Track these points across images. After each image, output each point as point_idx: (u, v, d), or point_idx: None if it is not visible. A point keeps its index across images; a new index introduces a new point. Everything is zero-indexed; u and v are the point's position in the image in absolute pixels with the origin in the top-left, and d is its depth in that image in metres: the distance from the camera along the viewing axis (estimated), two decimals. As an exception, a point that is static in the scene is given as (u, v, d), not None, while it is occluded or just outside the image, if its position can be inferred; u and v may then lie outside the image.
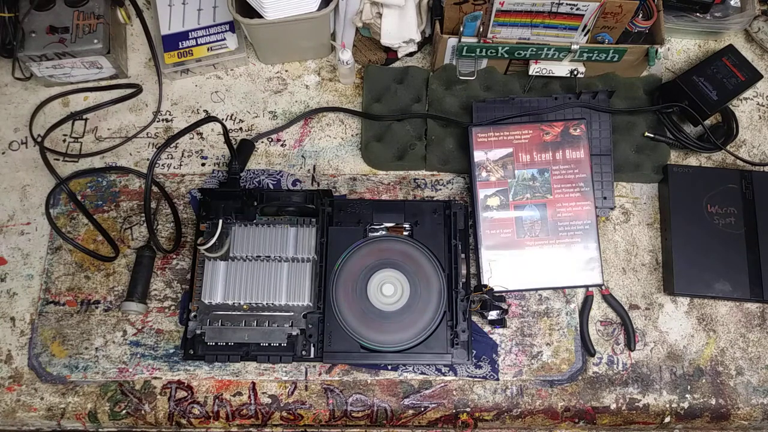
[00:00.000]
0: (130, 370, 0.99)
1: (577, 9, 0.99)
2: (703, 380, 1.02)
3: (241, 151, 1.08)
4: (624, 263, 1.07)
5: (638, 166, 1.10)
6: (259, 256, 1.00)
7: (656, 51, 1.06)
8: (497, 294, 0.99)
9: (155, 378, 0.99)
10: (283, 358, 0.96)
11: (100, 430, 1.00)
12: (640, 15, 1.06)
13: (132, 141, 1.12)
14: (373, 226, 1.03)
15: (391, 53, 1.15)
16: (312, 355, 0.97)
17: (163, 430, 1.00)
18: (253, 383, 0.99)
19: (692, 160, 1.13)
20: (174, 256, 1.05)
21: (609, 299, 1.04)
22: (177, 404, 0.98)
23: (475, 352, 1.00)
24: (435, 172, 1.11)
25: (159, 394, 0.99)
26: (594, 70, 1.12)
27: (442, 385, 1.00)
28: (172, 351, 1.00)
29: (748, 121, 1.17)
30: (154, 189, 1.07)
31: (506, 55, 1.07)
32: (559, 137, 1.06)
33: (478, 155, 1.05)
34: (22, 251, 1.05)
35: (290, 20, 1.03)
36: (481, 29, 1.04)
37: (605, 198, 1.07)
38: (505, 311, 0.99)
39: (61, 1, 1.08)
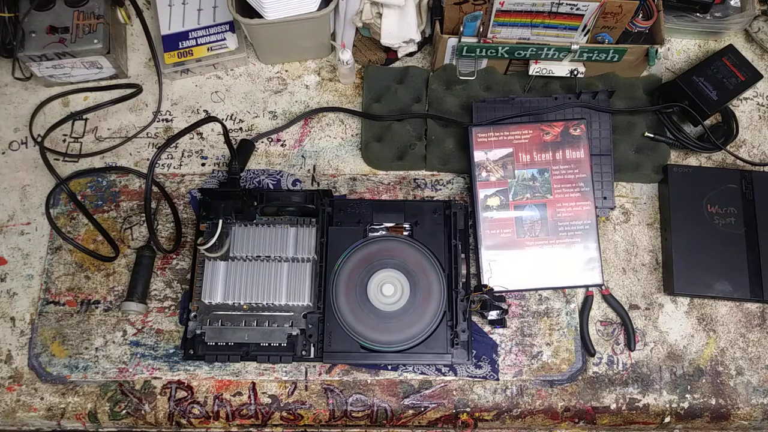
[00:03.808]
0: (130, 370, 0.99)
1: (577, 9, 0.99)
2: (703, 380, 1.02)
3: (241, 151, 1.08)
4: (624, 263, 1.07)
5: (638, 166, 1.10)
6: (259, 256, 1.00)
7: (656, 51, 1.06)
8: (497, 294, 0.99)
9: (155, 378, 0.99)
10: (283, 358, 0.96)
11: (100, 430, 1.00)
12: (640, 15, 1.06)
13: (132, 141, 1.12)
14: (373, 226, 1.03)
15: (391, 53, 1.15)
16: (312, 355, 0.97)
17: (163, 430, 1.00)
18: (253, 383, 0.99)
19: (692, 160, 1.13)
20: (174, 256, 1.05)
21: (609, 299, 1.04)
22: (177, 404, 0.98)
23: (475, 352, 1.00)
24: (435, 172, 1.11)
25: (159, 394, 0.99)
26: (594, 70, 1.12)
27: (442, 385, 1.00)
28: (172, 351, 1.00)
29: (748, 121, 1.17)
30: (154, 189, 1.07)
31: (506, 55, 1.07)
32: (559, 137, 1.06)
33: (478, 155, 1.05)
34: (22, 251, 1.05)
35: (290, 20, 1.03)
36: (481, 29, 1.04)
37: (605, 198, 1.07)
38: (505, 311, 0.99)
39: (61, 1, 1.08)
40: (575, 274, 1.03)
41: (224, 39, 1.12)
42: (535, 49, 1.05)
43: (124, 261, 1.05)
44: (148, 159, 1.11)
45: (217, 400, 0.98)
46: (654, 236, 1.09)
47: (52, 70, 1.10)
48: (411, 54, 1.17)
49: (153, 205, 1.07)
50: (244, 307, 0.98)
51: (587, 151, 1.05)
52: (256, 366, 1.00)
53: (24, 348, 1.01)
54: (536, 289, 1.04)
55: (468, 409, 1.00)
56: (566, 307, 1.04)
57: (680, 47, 1.21)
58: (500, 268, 1.02)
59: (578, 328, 1.03)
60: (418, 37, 1.09)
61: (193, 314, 0.98)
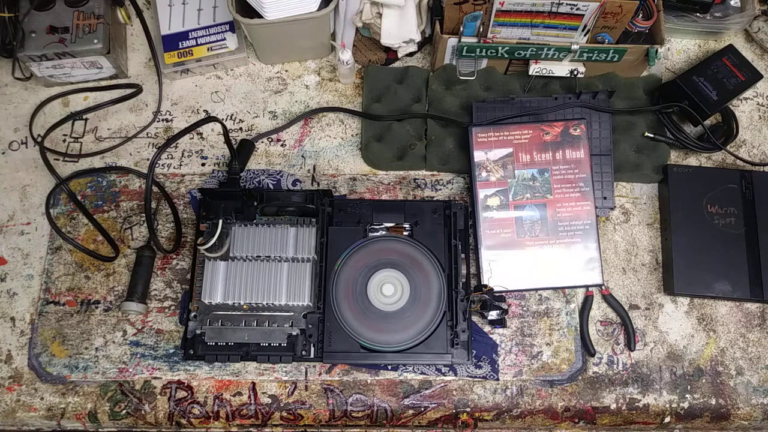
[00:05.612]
0: (130, 370, 0.99)
1: (577, 9, 0.99)
2: (703, 380, 1.02)
3: (241, 151, 1.08)
4: (624, 263, 1.07)
5: (638, 166, 1.10)
6: (259, 256, 1.00)
7: (656, 51, 1.06)
8: (497, 294, 0.99)
9: (155, 378, 0.99)
10: (283, 358, 0.96)
11: (100, 430, 1.00)
12: (640, 15, 1.06)
13: (132, 141, 1.12)
14: (373, 226, 1.03)
15: (391, 53, 1.15)
16: (312, 355, 0.97)
17: (163, 430, 1.00)
18: (253, 383, 0.99)
19: (692, 160, 1.13)
20: (174, 256, 1.05)
21: (609, 299, 1.04)
22: (177, 404, 0.98)
23: (475, 352, 1.00)
24: (435, 172, 1.11)
25: (159, 394, 0.99)
26: (594, 70, 1.12)
27: (442, 385, 1.00)
28: (172, 351, 1.00)
29: (748, 121, 1.17)
30: (154, 189, 1.07)
31: (506, 55, 1.07)
32: (559, 137, 1.06)
33: (478, 155, 1.05)
34: (22, 251, 1.05)
35: (290, 20, 1.03)
36: (481, 29, 1.04)
37: (605, 198, 1.07)
38: (505, 311, 0.99)
39: (61, 1, 1.08)
40: (575, 274, 1.03)
41: (224, 39, 1.12)
42: (535, 49, 1.05)
43: (124, 261, 1.05)
44: (148, 159, 1.11)
45: (217, 400, 0.98)
46: (654, 236, 1.09)
47: (52, 70, 1.10)
48: (411, 54, 1.17)
49: (153, 205, 1.07)
50: (244, 307, 0.98)
51: (587, 151, 1.05)
52: (256, 366, 1.00)
53: (24, 348, 1.01)
54: (536, 289, 1.04)
55: (468, 409, 1.00)
56: (566, 307, 1.04)
57: (680, 47, 1.21)
58: (500, 268, 1.02)
59: (578, 328, 1.03)
60: (418, 37, 1.09)
61: (193, 314, 0.98)
